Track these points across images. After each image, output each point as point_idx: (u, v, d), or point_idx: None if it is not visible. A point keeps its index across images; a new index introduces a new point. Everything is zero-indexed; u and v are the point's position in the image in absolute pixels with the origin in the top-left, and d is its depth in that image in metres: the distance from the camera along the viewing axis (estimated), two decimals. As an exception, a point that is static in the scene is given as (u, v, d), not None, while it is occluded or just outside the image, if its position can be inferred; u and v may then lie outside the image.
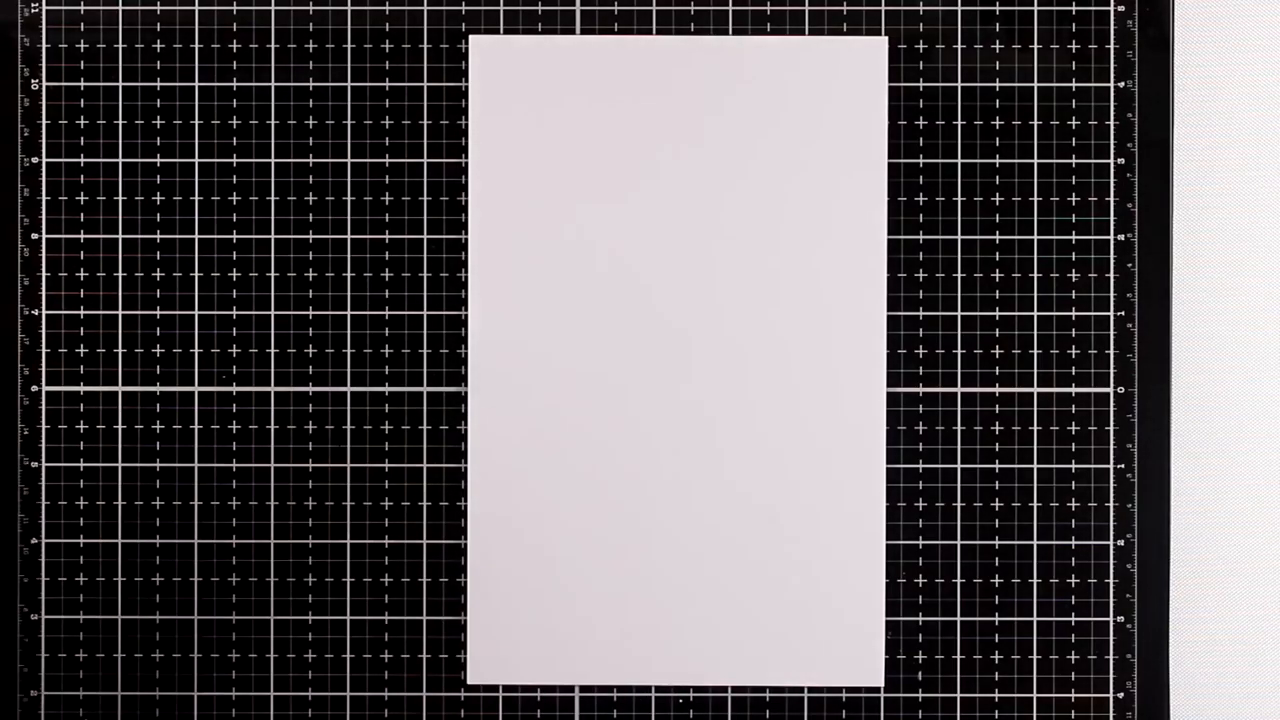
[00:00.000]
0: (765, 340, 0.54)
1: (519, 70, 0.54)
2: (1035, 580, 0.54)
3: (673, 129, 0.54)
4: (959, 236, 0.54)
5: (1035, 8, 0.54)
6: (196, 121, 0.54)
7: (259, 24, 0.54)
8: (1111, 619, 0.55)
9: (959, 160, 0.54)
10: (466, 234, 0.54)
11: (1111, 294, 0.54)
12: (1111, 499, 0.54)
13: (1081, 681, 0.55)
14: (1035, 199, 0.54)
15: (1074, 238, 0.54)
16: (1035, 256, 0.54)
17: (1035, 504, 0.54)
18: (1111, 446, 0.54)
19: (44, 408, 0.54)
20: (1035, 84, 0.54)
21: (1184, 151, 0.55)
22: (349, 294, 0.54)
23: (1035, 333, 0.54)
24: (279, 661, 0.54)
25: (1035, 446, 0.54)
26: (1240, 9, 0.56)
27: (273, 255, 0.54)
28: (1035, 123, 0.54)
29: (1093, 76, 0.54)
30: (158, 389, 0.54)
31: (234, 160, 0.54)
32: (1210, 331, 0.55)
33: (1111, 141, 0.54)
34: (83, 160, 0.54)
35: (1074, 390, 0.54)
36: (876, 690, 0.54)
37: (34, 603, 0.54)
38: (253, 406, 0.54)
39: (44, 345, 0.54)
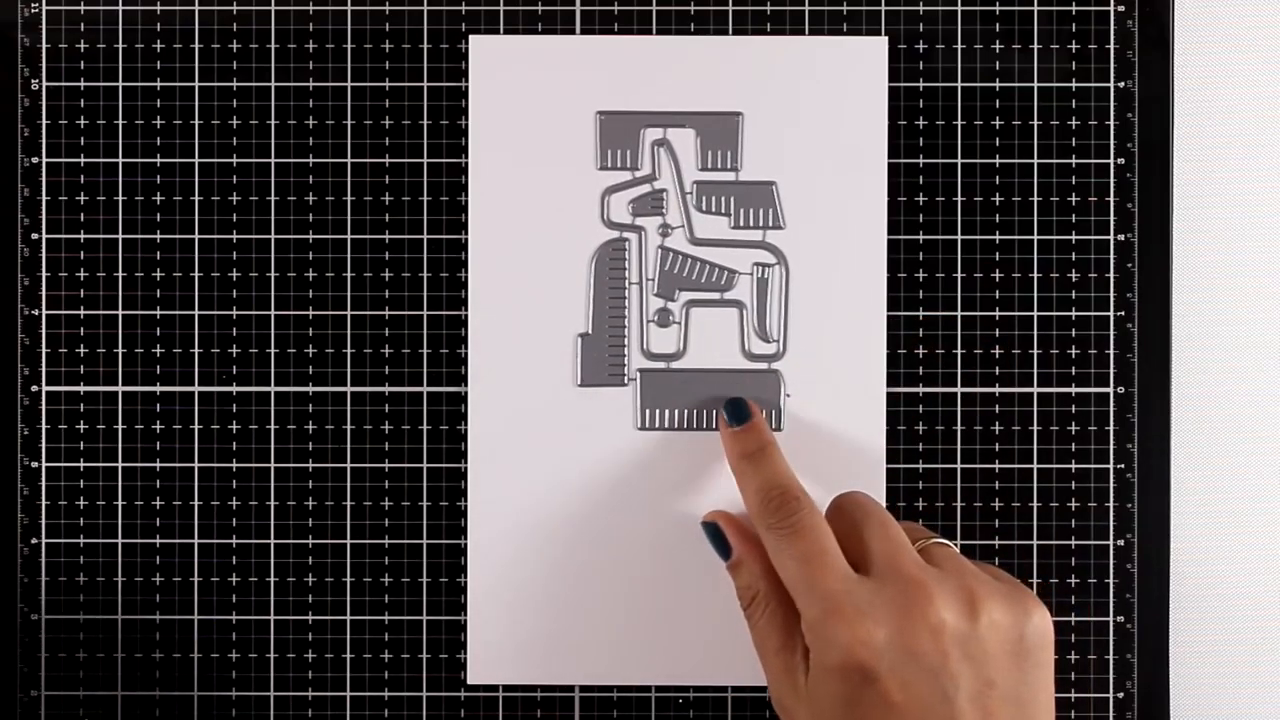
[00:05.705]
0: (764, 340, 0.54)
1: (519, 70, 0.54)
2: (1035, 580, 0.54)
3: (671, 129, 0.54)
4: (959, 236, 0.54)
5: (1035, 8, 0.54)
6: (196, 121, 0.54)
7: (259, 24, 0.54)
8: (1111, 619, 0.55)
9: (959, 160, 0.54)
10: (466, 234, 0.54)
11: (1111, 294, 0.54)
12: (1111, 499, 0.54)
13: (1081, 681, 0.55)
14: (1035, 199, 0.54)
15: (1074, 238, 0.54)
16: (1035, 256, 0.54)
17: (1035, 504, 0.54)
18: (1111, 446, 0.54)
19: (44, 408, 0.54)
20: (1035, 84, 0.54)
21: (1184, 151, 0.55)
22: (349, 294, 0.54)
23: (1035, 333, 0.54)
24: (279, 661, 0.54)
25: (1035, 446, 0.54)
26: (1240, 9, 0.56)
27: (273, 255, 0.54)
28: (1035, 123, 0.54)
29: (1093, 76, 0.54)
30: (158, 389, 0.54)
31: (234, 160, 0.54)
32: (1210, 331, 0.55)
33: (1111, 141, 0.54)
34: (83, 160, 0.54)
35: (1074, 390, 0.54)
36: (876, 690, 0.54)
37: (34, 603, 0.54)
38: (253, 406, 0.54)
39: (44, 345, 0.54)
